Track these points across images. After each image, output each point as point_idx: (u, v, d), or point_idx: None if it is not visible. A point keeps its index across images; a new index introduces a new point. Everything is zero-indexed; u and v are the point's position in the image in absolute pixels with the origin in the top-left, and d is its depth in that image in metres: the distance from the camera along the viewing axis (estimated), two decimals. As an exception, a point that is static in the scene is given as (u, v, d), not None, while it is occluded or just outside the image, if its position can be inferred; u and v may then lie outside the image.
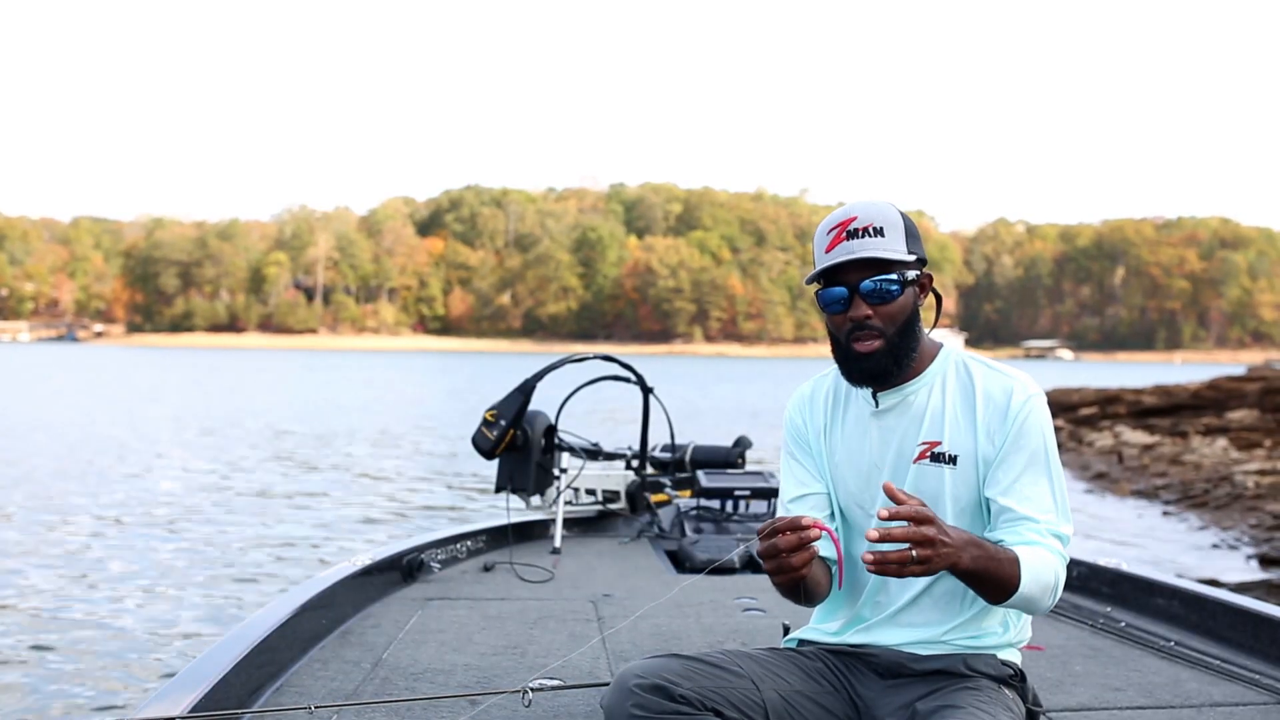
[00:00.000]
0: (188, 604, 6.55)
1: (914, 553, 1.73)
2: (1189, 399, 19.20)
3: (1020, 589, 1.87)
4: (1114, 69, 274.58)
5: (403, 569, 3.91)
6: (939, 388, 2.08)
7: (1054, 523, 1.97)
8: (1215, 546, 9.28)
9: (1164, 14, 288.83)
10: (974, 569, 1.84)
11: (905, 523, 1.74)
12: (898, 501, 1.77)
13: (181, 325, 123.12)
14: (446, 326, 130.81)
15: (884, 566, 1.73)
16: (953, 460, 2.02)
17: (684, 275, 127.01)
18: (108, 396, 28.52)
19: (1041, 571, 1.91)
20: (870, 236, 1.99)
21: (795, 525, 1.81)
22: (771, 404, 30.75)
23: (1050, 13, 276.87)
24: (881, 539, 1.72)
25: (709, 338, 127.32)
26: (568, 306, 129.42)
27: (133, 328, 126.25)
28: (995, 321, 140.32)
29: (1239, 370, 29.74)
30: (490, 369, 57.57)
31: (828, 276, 2.03)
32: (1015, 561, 1.88)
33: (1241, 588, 7.19)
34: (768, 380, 51.13)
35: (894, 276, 2.00)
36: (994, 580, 1.87)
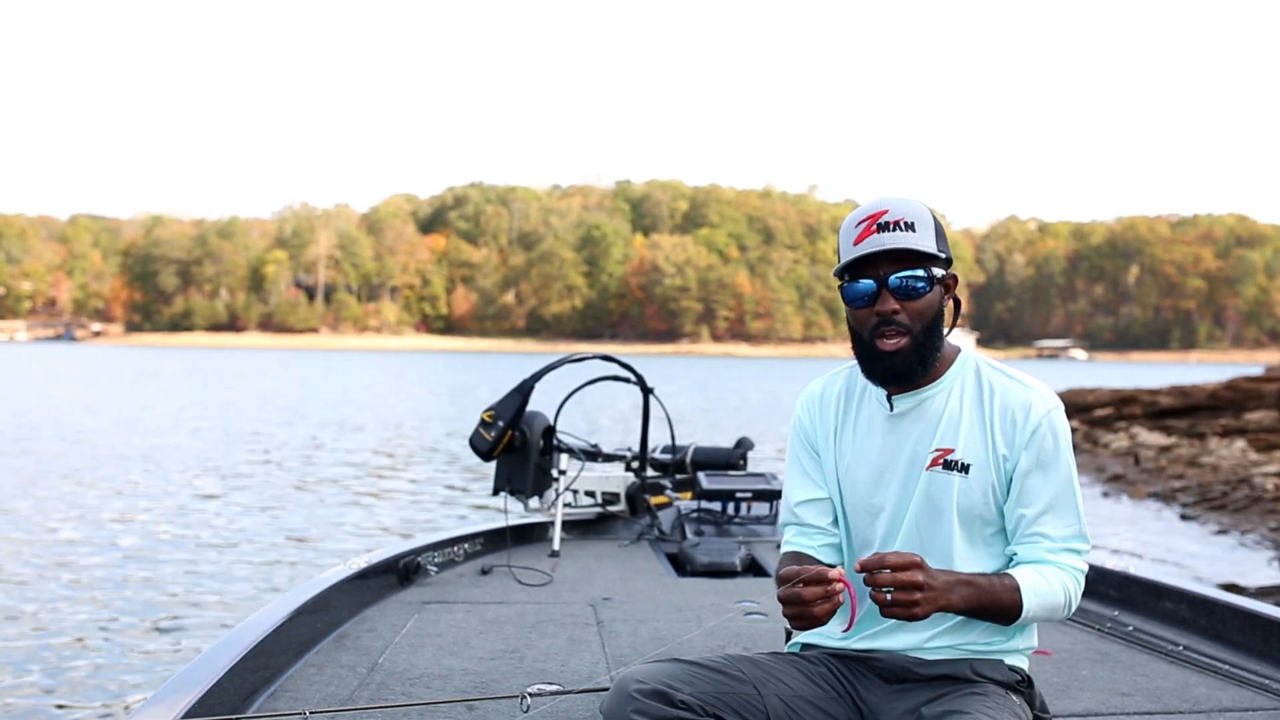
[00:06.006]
0: (181, 607, 6.53)
1: (889, 597, 1.79)
2: (1206, 400, 19.04)
3: (1024, 614, 1.92)
4: (1128, 64, 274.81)
5: (399, 572, 3.87)
6: (956, 394, 2.06)
7: (1070, 539, 1.99)
8: (1235, 550, 9.23)
9: (1179, 8, 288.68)
10: (967, 607, 1.89)
11: (888, 570, 1.79)
12: (884, 564, 1.80)
13: (181, 324, 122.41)
14: (449, 326, 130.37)
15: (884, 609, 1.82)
16: (964, 469, 2.01)
17: (690, 274, 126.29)
18: (105, 396, 28.53)
19: (1047, 593, 1.94)
20: (902, 230, 1.96)
21: (821, 578, 1.80)
22: (775, 405, 30.73)
23: (1063, 7, 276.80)
24: (867, 583, 1.80)
25: (716, 337, 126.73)
26: (572, 305, 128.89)
27: (131, 327, 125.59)
28: (1007, 321, 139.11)
29: (1256, 370, 29.51)
30: (493, 368, 57.59)
31: (854, 270, 2.00)
32: (1015, 589, 1.91)
33: (1263, 592, 7.15)
34: (776, 380, 51.11)
35: (922, 273, 1.97)
36: (993, 612, 1.92)
